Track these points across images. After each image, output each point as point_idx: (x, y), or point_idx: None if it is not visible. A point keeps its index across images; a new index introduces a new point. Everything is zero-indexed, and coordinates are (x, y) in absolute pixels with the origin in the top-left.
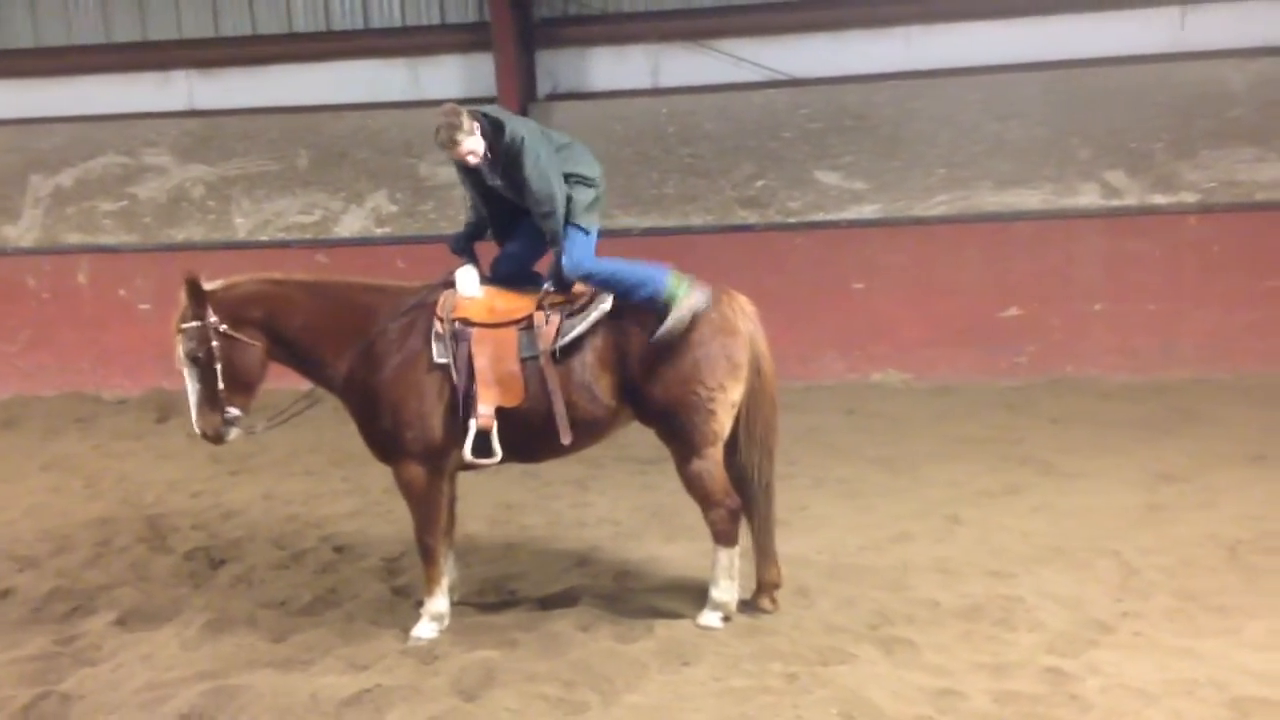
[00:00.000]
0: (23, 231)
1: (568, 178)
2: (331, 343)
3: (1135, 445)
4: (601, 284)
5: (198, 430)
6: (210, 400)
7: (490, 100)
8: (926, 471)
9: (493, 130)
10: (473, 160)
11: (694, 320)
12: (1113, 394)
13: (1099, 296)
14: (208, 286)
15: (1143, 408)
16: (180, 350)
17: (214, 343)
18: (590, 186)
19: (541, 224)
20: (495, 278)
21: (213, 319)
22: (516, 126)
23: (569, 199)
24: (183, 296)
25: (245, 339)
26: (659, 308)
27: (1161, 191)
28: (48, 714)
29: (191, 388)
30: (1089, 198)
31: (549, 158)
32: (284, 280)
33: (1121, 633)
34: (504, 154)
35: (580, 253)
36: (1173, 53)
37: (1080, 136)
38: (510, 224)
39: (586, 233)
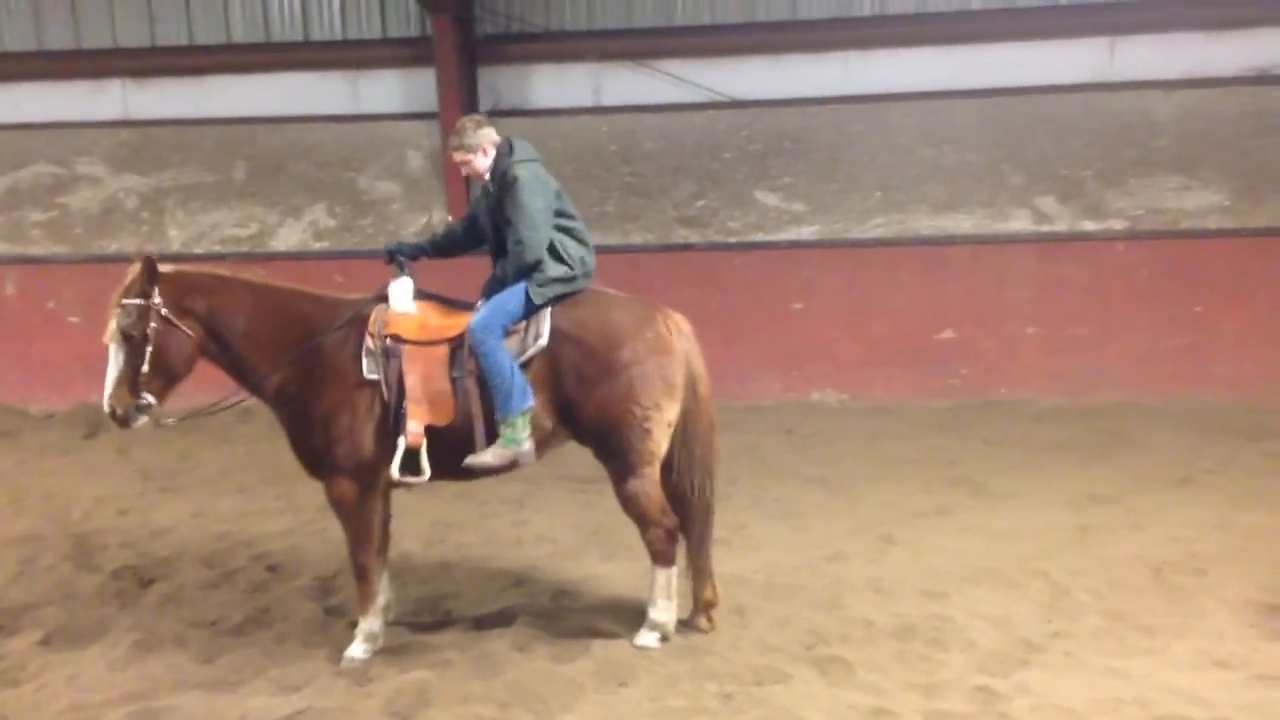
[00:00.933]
0: None
1: (564, 230)
2: (267, 350)
3: (1065, 467)
4: (480, 362)
5: (107, 408)
6: (130, 381)
7: (432, 116)
8: (862, 491)
9: (499, 156)
10: (465, 172)
11: (629, 339)
12: (1044, 416)
13: (1031, 320)
14: (162, 269)
15: (1073, 430)
16: (114, 324)
17: (152, 324)
18: (567, 269)
19: (510, 253)
20: (485, 296)
21: (157, 301)
22: (519, 169)
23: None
24: (134, 270)
25: (183, 328)
26: (496, 429)
27: (1091, 218)
28: None
29: (114, 364)
30: (1021, 223)
31: (545, 208)
32: (231, 279)
33: (1051, 652)
34: (499, 182)
35: (496, 319)
36: (1102, 82)
37: (1012, 163)
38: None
39: (521, 306)
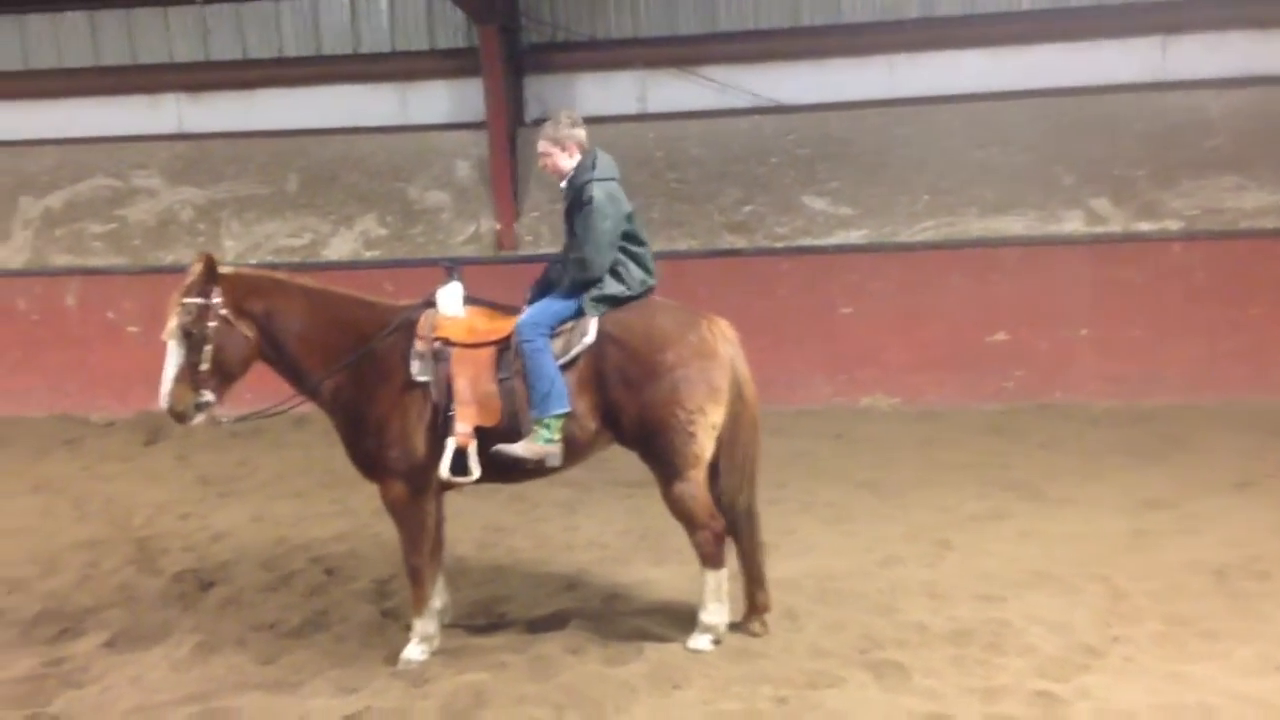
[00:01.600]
0: (12, 253)
1: (630, 254)
2: (320, 353)
3: (1121, 471)
4: (526, 359)
5: (165, 404)
6: (189, 378)
7: (480, 126)
8: (914, 496)
9: (581, 168)
10: (541, 165)
11: (673, 343)
12: (1099, 420)
13: (1085, 322)
14: (222, 269)
15: (1129, 433)
16: (174, 322)
17: (211, 323)
18: (624, 288)
19: (570, 263)
20: (530, 301)
21: (216, 300)
22: (595, 189)
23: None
24: (195, 269)
25: (241, 329)
26: (534, 424)
27: (1145, 219)
28: None
29: (173, 361)
30: (1073, 224)
31: (612, 230)
32: (288, 282)
33: (1111, 657)
34: (574, 193)
35: (544, 318)
36: (1155, 82)
37: (1064, 164)
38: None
39: (571, 311)
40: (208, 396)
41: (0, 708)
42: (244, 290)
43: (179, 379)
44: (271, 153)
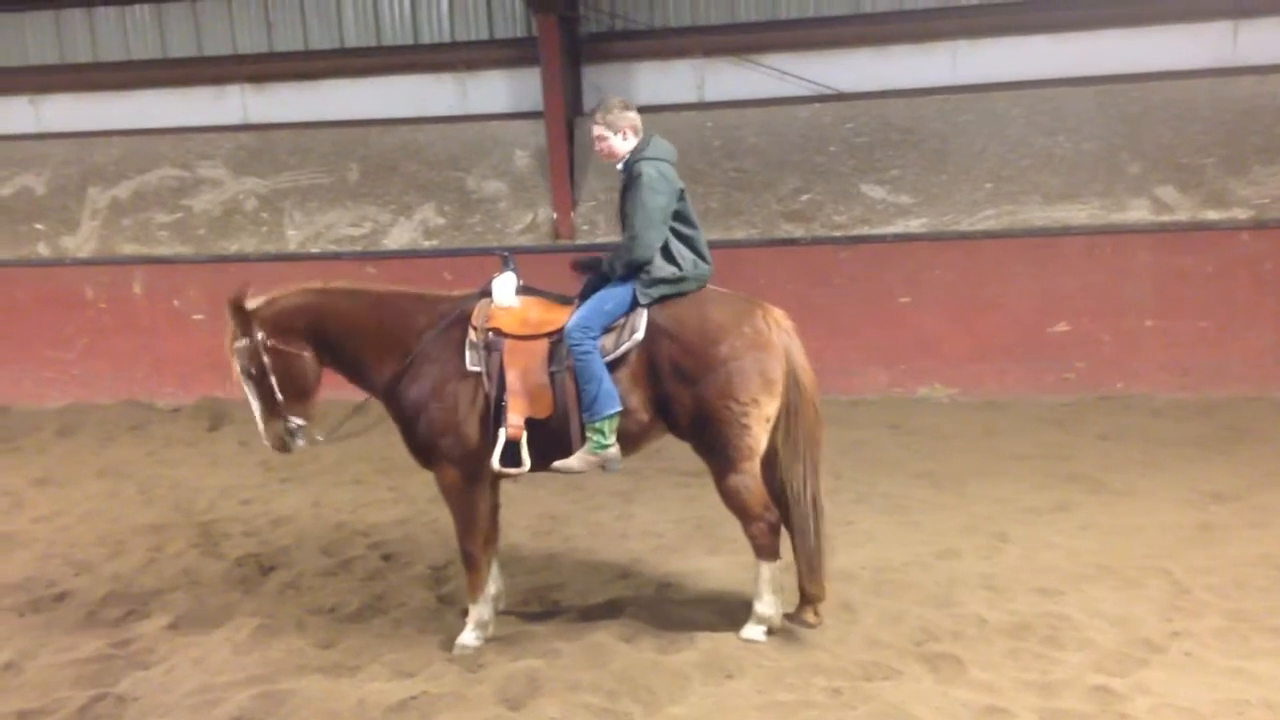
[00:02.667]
0: (81, 242)
1: (681, 236)
2: (374, 349)
3: (1186, 463)
4: (575, 362)
5: (266, 444)
6: (272, 412)
7: (538, 115)
8: (973, 487)
9: (636, 148)
10: (596, 149)
11: (727, 334)
12: (1163, 411)
13: (1149, 313)
14: (250, 304)
15: (1194, 425)
16: (236, 368)
17: (264, 358)
18: (676, 269)
19: (621, 248)
20: (581, 297)
21: (259, 335)
22: (646, 166)
23: (655, 258)
24: (228, 317)
25: (293, 350)
26: (585, 430)
27: (1213, 207)
28: (103, 715)
29: (253, 403)
30: (1139, 213)
31: (664, 207)
32: (325, 289)
33: (1172, 652)
34: (627, 173)
35: (594, 320)
36: (1224, 67)
37: (1130, 151)
38: None
39: (624, 307)
40: (296, 422)
41: (69, 687)
42: (280, 315)
43: (263, 417)
44: (333, 143)
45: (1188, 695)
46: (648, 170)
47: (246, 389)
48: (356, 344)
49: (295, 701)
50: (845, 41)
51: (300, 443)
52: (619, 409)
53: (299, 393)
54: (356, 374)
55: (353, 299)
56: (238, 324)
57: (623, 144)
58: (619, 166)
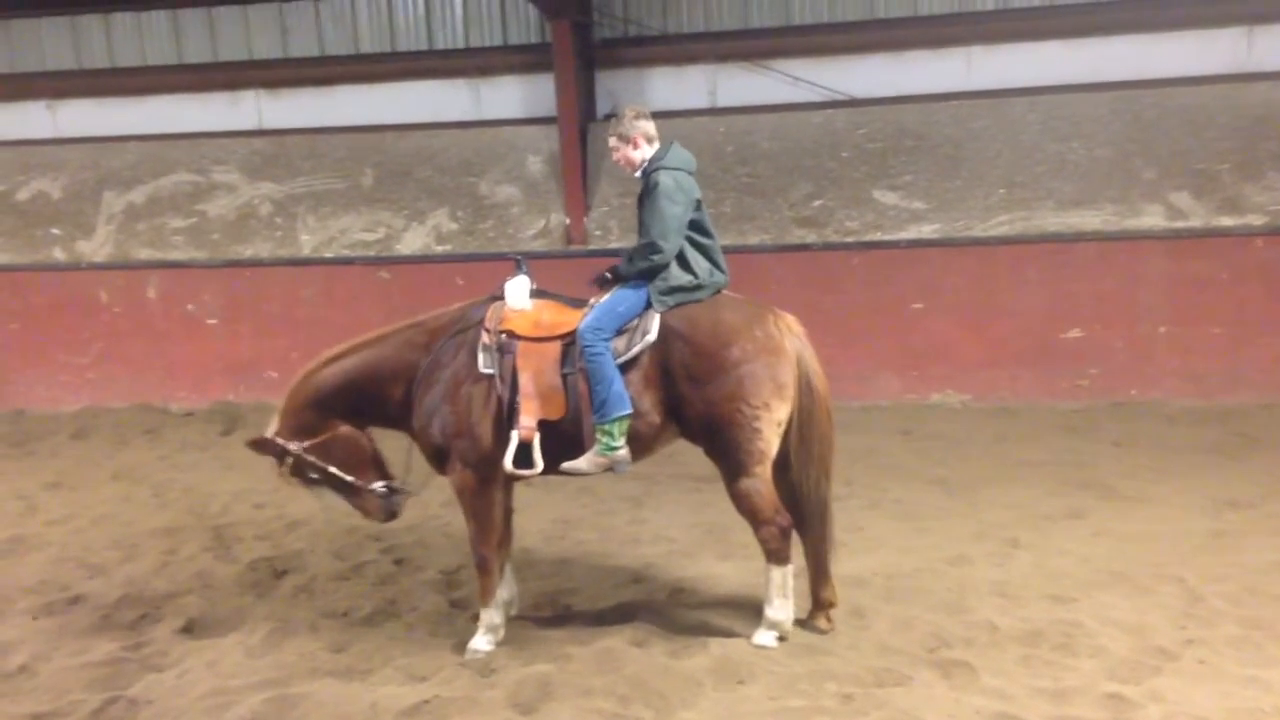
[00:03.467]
0: (96, 247)
1: (697, 245)
2: (388, 388)
3: (1199, 470)
4: (587, 364)
5: (376, 521)
6: (357, 495)
7: (551, 121)
8: (985, 494)
9: (653, 156)
10: (615, 159)
11: (738, 338)
12: (1177, 418)
13: (1163, 319)
14: (268, 433)
15: (1208, 432)
16: (302, 488)
17: (313, 460)
18: (692, 278)
19: (636, 248)
20: (598, 284)
21: (293, 449)
22: (662, 175)
23: (670, 266)
24: (258, 451)
25: (327, 436)
26: (594, 431)
27: (1228, 213)
28: (116, 718)
29: (339, 500)
30: (1153, 219)
31: (680, 215)
32: (311, 370)
33: (1185, 660)
34: (644, 181)
35: (607, 321)
36: (1239, 73)
37: (1144, 157)
38: None
39: (636, 309)
40: (381, 489)
41: (82, 690)
42: (297, 420)
43: (354, 503)
44: (348, 148)
45: (1202, 703)
46: (664, 180)
47: (324, 496)
48: (370, 395)
49: (308, 705)
50: (859, 47)
51: (399, 499)
52: (629, 411)
53: (362, 463)
54: (388, 419)
55: (344, 359)
56: (270, 454)
57: (638, 153)
58: (637, 174)
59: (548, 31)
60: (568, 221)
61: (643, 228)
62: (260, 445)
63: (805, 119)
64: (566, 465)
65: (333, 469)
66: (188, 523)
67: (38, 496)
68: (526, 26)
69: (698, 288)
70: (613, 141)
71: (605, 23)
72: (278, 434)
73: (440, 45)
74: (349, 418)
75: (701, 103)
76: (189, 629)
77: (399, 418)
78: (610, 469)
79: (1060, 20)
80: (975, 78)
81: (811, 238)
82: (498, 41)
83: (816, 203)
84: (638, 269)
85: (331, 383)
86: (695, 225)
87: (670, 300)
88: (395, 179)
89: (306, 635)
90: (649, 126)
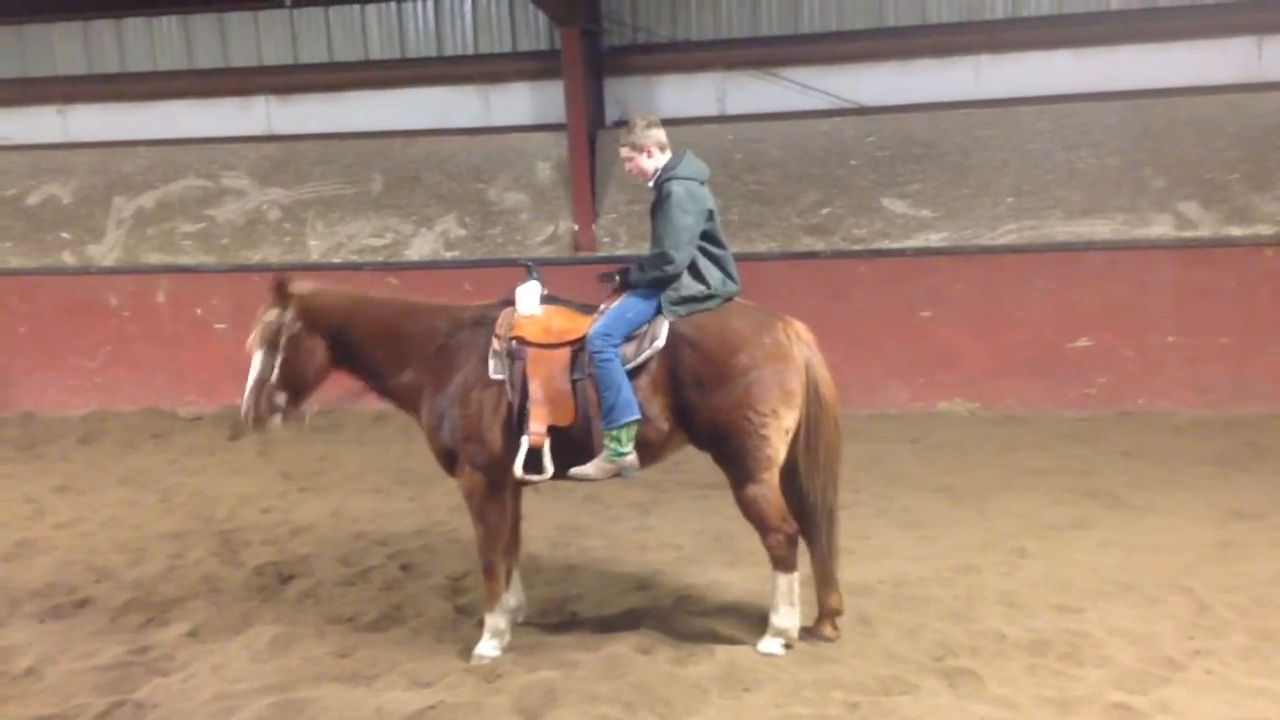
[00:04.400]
0: (105, 251)
1: (710, 255)
2: (394, 356)
3: (1208, 481)
4: (595, 369)
5: (242, 410)
6: (263, 388)
7: (560, 127)
8: (992, 503)
9: (666, 166)
10: (628, 169)
11: (746, 345)
12: (1185, 428)
13: (1172, 329)
14: (294, 289)
15: (1216, 442)
16: (255, 335)
17: (284, 338)
18: (704, 288)
19: (648, 258)
20: (609, 282)
21: (289, 317)
22: (675, 185)
23: (682, 276)
24: (271, 290)
25: (311, 343)
26: (602, 437)
27: (1237, 223)
28: None
29: (254, 372)
30: (1162, 228)
31: (692, 226)
32: (361, 297)
33: (1193, 670)
34: (657, 190)
35: (616, 327)
36: (1249, 83)
37: (1153, 167)
38: None
39: (646, 316)
40: (280, 404)
41: (88, 693)
42: (316, 309)
43: (255, 388)
44: (357, 154)
45: (1209, 714)
46: (677, 189)
47: (255, 357)
48: (378, 351)
49: (313, 710)
50: (867, 55)
51: (277, 420)
52: (637, 417)
53: (298, 382)
54: (373, 378)
55: (381, 310)
56: (276, 298)
57: (650, 162)
58: (650, 184)
59: (557, 38)
60: (576, 228)
61: (655, 237)
62: (280, 287)
63: (814, 127)
64: (574, 471)
65: (282, 360)
66: (195, 527)
67: (46, 500)
68: (536, 33)
69: (709, 297)
70: (625, 151)
71: (614, 30)
72: (298, 295)
73: (450, 52)
74: (337, 351)
75: (710, 110)
76: (195, 633)
77: (380, 383)
78: (618, 474)
79: (1069, 29)
80: (984, 86)
81: (820, 246)
82: (507, 48)
83: (825, 211)
84: (649, 278)
85: (355, 322)
86: (708, 236)
87: (682, 310)
88: (404, 185)
89: (312, 640)
90: (661, 135)
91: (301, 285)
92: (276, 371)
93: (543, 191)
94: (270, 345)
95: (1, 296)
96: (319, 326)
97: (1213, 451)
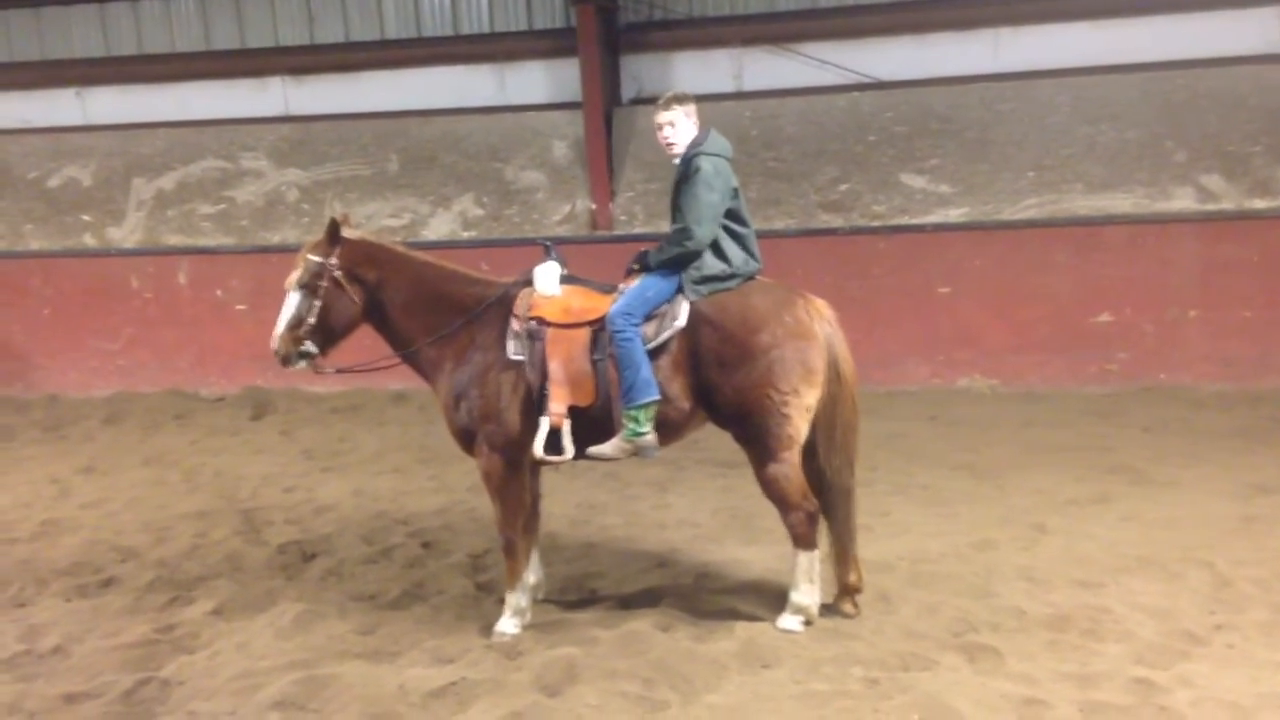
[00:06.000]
0: (126, 233)
1: (733, 234)
2: (421, 325)
3: (1229, 455)
4: (616, 348)
5: (273, 347)
6: (297, 329)
7: (576, 106)
8: (1011, 479)
9: (693, 141)
10: (660, 137)
11: (768, 323)
12: (1206, 403)
13: (1194, 303)
14: (346, 233)
15: (1238, 417)
16: (295, 274)
17: (324, 283)
18: (725, 266)
19: (671, 234)
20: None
21: (333, 262)
22: (703, 161)
23: (704, 254)
24: (325, 229)
25: (350, 293)
26: (621, 416)
27: (1259, 196)
28: (148, 698)
29: (286, 310)
30: (1184, 202)
31: (718, 203)
32: (405, 255)
33: (1214, 645)
34: (683, 166)
35: (637, 306)
36: (1271, 54)
37: (1175, 140)
38: None
39: (667, 294)
40: (310, 348)
41: (115, 671)
42: (361, 257)
43: (288, 327)
44: (374, 134)
45: (1230, 688)
46: (705, 165)
47: (290, 296)
48: (406, 314)
49: (337, 686)
50: (885, 29)
51: (303, 364)
52: (656, 397)
53: (329, 330)
54: (397, 342)
55: (420, 270)
56: (326, 239)
57: (682, 135)
58: (676, 159)
59: (573, 16)
60: (593, 207)
61: (678, 213)
62: (333, 229)
63: (831, 102)
64: (593, 450)
65: (318, 304)
66: (218, 506)
67: (71, 480)
68: (551, 11)
69: (731, 276)
70: (669, 116)
71: (630, 7)
72: (347, 242)
73: (466, 31)
74: (371, 305)
75: (727, 87)
76: (220, 611)
77: (399, 341)
78: (636, 454)
79: (1089, 1)
80: (1003, 60)
81: (838, 222)
82: (523, 26)
83: (843, 187)
84: (669, 255)
85: (395, 278)
86: (732, 214)
87: (704, 289)
88: (421, 165)
89: (335, 618)
90: (694, 109)
91: (353, 231)
92: (310, 317)
93: (559, 170)
94: (308, 289)
95: (24, 279)
96: (359, 278)
97: (1235, 426)
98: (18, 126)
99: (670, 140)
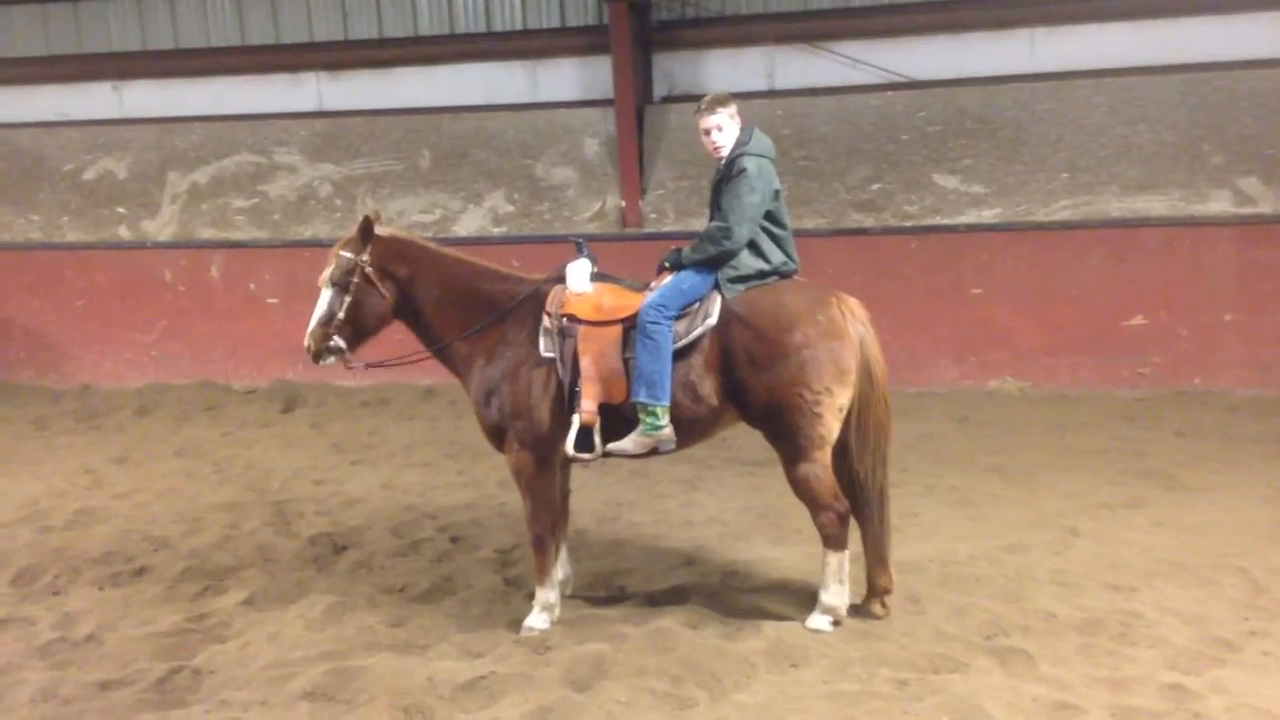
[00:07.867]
0: (160, 226)
1: (772, 235)
2: (454, 322)
3: (1264, 461)
4: (642, 343)
5: (306, 342)
6: (327, 324)
7: (608, 103)
8: (1043, 482)
9: (737, 142)
10: (705, 140)
11: (800, 323)
12: (1241, 407)
13: (1229, 307)
14: (378, 230)
15: (1272, 422)
16: (328, 270)
17: (355, 280)
18: (764, 264)
19: (709, 231)
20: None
21: (365, 259)
22: (748, 161)
23: (741, 254)
24: (357, 226)
25: (381, 290)
26: (638, 411)
27: None
28: (180, 687)
29: (319, 306)
30: (1220, 205)
31: (759, 205)
32: (436, 252)
33: (1248, 651)
34: (727, 166)
35: (671, 300)
36: None
37: (1212, 142)
38: None
39: (701, 291)
40: (339, 344)
41: (148, 659)
42: (392, 254)
43: (319, 323)
44: (406, 130)
45: (1264, 695)
46: (750, 166)
47: (323, 292)
48: (438, 312)
49: (366, 678)
50: (920, 28)
51: (333, 360)
52: (666, 403)
53: (360, 326)
54: (428, 339)
55: (451, 268)
56: (359, 236)
57: (727, 136)
58: (720, 159)
59: (605, 13)
60: (623, 204)
61: (718, 211)
62: (365, 227)
63: (864, 101)
64: (612, 446)
65: (349, 301)
66: (249, 498)
67: (104, 470)
68: (584, 8)
69: (768, 275)
70: (715, 120)
71: (663, 4)
72: (379, 238)
73: (498, 27)
74: (402, 302)
75: (759, 85)
76: (251, 601)
77: (433, 343)
78: (655, 449)
79: (1126, 1)
80: (1039, 59)
81: (869, 222)
82: (555, 24)
83: (875, 186)
84: (704, 254)
85: (426, 276)
86: (771, 215)
87: (740, 288)
88: (452, 161)
89: (365, 610)
90: (736, 109)
91: (385, 228)
92: (341, 313)
93: (590, 168)
94: (340, 286)
95: (59, 271)
96: (391, 275)
97: (1270, 431)
98: (54, 119)
99: (718, 144)
